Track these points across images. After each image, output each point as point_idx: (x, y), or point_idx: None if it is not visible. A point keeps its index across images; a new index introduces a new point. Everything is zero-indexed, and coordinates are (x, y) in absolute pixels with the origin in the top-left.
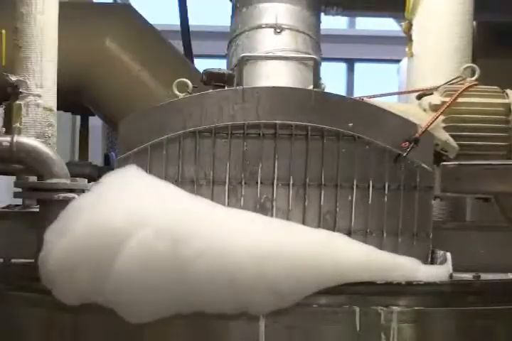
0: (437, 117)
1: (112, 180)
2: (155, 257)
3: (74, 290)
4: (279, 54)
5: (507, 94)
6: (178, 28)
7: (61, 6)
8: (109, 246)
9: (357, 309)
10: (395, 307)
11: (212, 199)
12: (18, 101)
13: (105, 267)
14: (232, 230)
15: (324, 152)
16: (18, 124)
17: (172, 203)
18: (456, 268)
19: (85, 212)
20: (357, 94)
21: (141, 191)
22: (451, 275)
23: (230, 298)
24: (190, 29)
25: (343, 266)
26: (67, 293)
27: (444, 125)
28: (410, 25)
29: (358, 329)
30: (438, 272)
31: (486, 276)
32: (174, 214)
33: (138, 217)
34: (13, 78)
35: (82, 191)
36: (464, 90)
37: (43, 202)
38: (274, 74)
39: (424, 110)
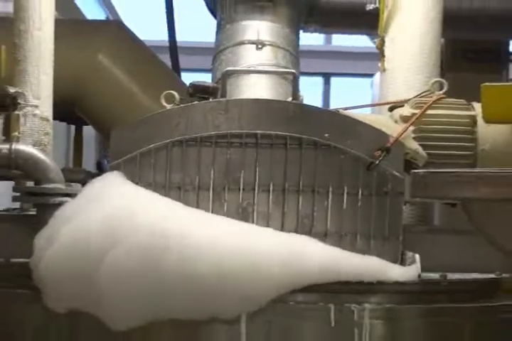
0: (407, 128)
1: (94, 188)
2: (129, 269)
3: (59, 298)
4: (260, 68)
5: (473, 107)
6: (167, 44)
7: (57, 22)
8: (88, 257)
9: (332, 306)
10: (367, 305)
11: (197, 203)
12: (16, 112)
13: (85, 278)
14: (200, 240)
15: (302, 160)
16: (16, 133)
17: (148, 213)
18: (424, 268)
19: (68, 221)
20: (333, 106)
21: (119, 200)
22: (419, 275)
23: (198, 304)
24: (178, 44)
25: (309, 269)
26: (55, 301)
27: (414, 135)
28: (383, 41)
29: (332, 325)
30: (407, 272)
31: (451, 276)
32: (148, 227)
33: (115, 229)
34: (12, 90)
35: (76, 195)
36: (432, 103)
37: (40, 206)
38: (256, 87)
39: (396, 121)
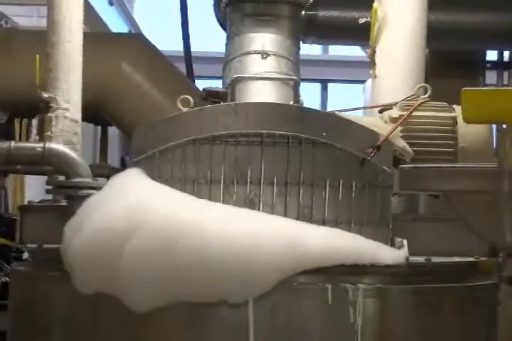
0: (396, 128)
1: (116, 182)
2: (147, 256)
3: (86, 282)
4: (265, 75)
5: (453, 109)
6: (182, 54)
7: (85, 35)
8: (110, 245)
9: (329, 286)
10: (360, 285)
11: (209, 195)
12: (49, 114)
13: (109, 263)
14: (210, 228)
15: (302, 156)
16: (49, 133)
17: (163, 205)
18: (411, 252)
19: (93, 212)
20: (329, 108)
21: (138, 193)
22: (407, 259)
23: (209, 288)
24: (192, 54)
25: (312, 254)
26: (81, 284)
27: (401, 134)
28: (374, 51)
29: (330, 303)
30: (396, 256)
31: (435, 259)
32: (164, 217)
33: (134, 219)
34: (46, 95)
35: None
36: (418, 105)
37: (70, 198)
38: (261, 92)
39: (385, 122)
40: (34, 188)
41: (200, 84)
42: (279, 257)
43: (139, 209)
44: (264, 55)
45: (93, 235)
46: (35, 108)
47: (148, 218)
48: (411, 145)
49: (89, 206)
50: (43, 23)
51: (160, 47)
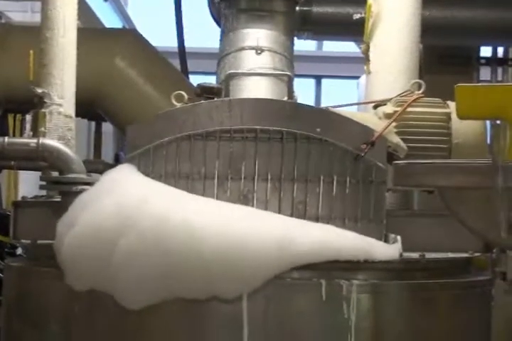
0: (390, 124)
1: (107, 179)
2: (139, 253)
3: (79, 279)
4: (259, 71)
5: (447, 105)
6: (176, 49)
7: (79, 30)
8: (102, 242)
9: (323, 282)
10: (354, 281)
11: (203, 191)
12: (43, 110)
13: (101, 260)
14: (203, 225)
15: (296, 152)
16: (43, 129)
17: (155, 201)
18: (405, 248)
19: (85, 208)
20: (324, 104)
21: (130, 190)
22: (401, 255)
23: (201, 284)
24: (186, 50)
25: (305, 250)
26: (74, 281)
27: (395, 130)
28: (368, 47)
29: (324, 298)
30: (390, 251)
31: (429, 255)
32: (156, 214)
33: (126, 216)
34: (39, 90)
35: None
36: (412, 101)
37: (64, 193)
38: (255, 88)
39: (379, 118)
40: (28, 184)
41: (195, 80)
42: (270, 253)
43: (131, 205)
44: (259, 50)
45: (85, 232)
46: (29, 103)
47: (141, 215)
48: (405, 141)
49: (81, 202)
50: (36, 18)
51: (154, 42)
